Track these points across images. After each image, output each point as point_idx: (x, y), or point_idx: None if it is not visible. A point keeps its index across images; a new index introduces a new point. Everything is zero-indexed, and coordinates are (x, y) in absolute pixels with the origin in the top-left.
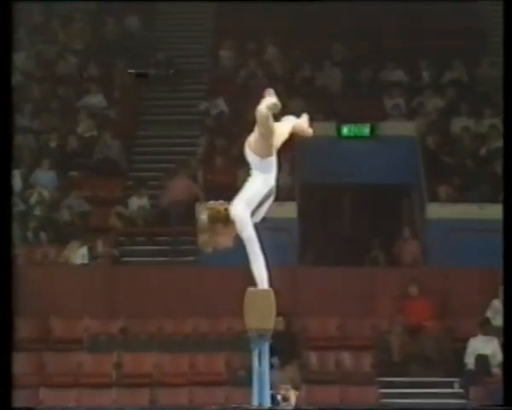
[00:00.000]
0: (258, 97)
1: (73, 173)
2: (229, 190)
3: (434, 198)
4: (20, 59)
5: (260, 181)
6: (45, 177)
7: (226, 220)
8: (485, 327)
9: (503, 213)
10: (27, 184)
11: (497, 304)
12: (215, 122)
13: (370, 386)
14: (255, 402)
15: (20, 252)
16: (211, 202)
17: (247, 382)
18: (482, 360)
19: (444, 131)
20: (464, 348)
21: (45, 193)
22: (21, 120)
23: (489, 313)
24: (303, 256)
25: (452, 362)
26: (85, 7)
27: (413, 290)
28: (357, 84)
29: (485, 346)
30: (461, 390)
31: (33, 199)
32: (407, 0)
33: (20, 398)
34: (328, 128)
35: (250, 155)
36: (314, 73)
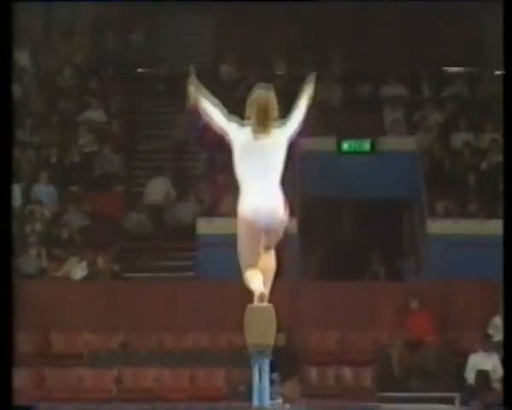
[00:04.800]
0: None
1: (74, 188)
2: (230, 206)
3: (435, 212)
4: (20, 72)
5: None
6: (45, 191)
7: None
8: (486, 343)
9: (504, 228)
10: (27, 199)
11: (498, 321)
12: (215, 138)
13: (370, 401)
14: None
15: (20, 267)
16: None
17: (247, 397)
18: (482, 375)
19: (444, 146)
20: (465, 363)
21: (46, 208)
22: (22, 135)
23: (490, 330)
24: (304, 271)
25: (453, 376)
26: (86, 19)
27: (414, 304)
28: (357, 99)
29: (486, 361)
30: (462, 406)
31: (34, 214)
32: (407, 13)
33: None
34: (329, 143)
35: None
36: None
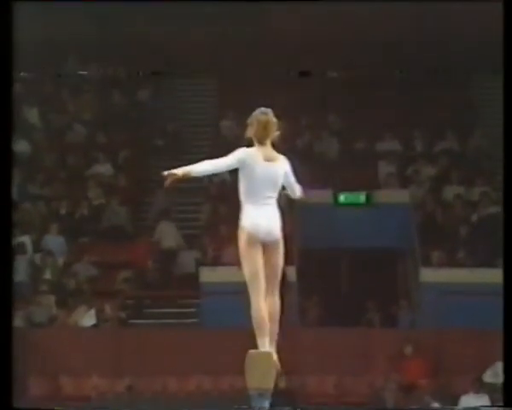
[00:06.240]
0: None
1: (83, 239)
2: (232, 255)
3: (428, 262)
4: (31, 129)
5: None
6: (55, 242)
7: None
8: (477, 385)
9: (504, 276)
10: (38, 249)
11: (499, 367)
12: (218, 190)
13: None
14: None
15: (31, 315)
16: None
17: None
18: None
19: (436, 198)
20: (456, 405)
21: (55, 258)
22: (33, 188)
23: (488, 372)
24: (303, 317)
25: None
26: (94, 78)
27: (407, 350)
28: (354, 153)
29: (476, 401)
30: None
31: (44, 264)
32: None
33: None
34: (326, 196)
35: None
36: (312, 141)
